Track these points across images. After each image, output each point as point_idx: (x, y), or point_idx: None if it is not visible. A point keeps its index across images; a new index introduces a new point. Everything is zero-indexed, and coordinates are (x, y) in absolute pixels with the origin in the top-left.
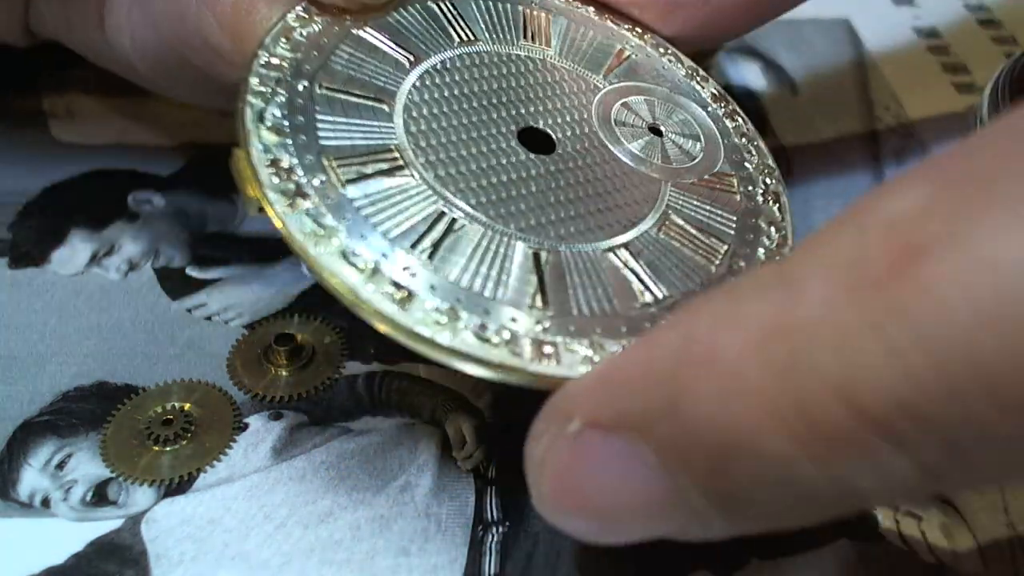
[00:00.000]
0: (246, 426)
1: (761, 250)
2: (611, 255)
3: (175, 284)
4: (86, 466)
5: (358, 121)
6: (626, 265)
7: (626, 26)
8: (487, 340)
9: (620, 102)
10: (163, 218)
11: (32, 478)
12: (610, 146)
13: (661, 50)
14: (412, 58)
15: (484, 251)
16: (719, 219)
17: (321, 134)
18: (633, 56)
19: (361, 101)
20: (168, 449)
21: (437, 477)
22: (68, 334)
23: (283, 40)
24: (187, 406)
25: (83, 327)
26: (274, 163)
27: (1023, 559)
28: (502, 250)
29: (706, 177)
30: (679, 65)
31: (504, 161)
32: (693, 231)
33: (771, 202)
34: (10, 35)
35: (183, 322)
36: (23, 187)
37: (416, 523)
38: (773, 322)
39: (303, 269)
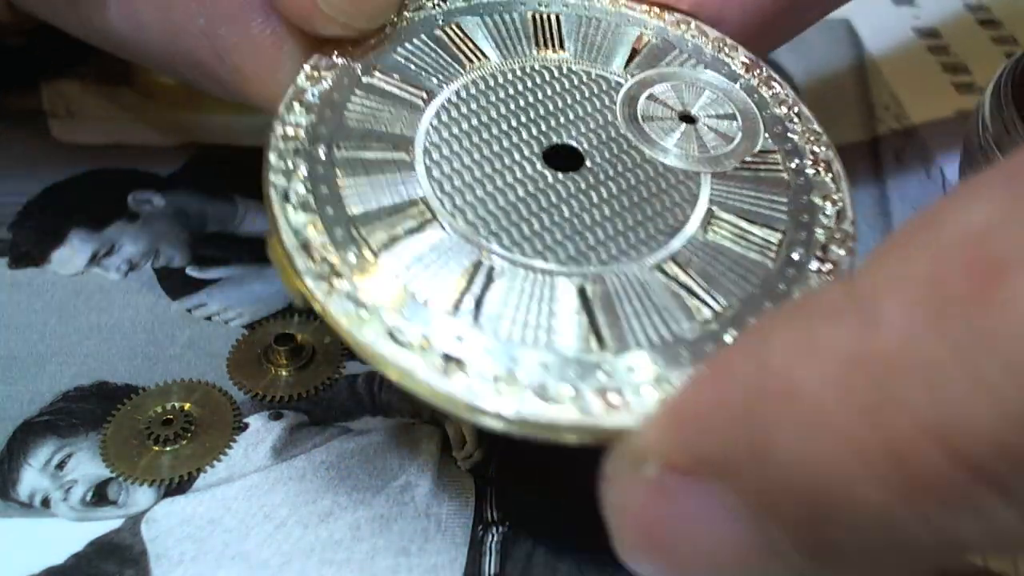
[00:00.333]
0: (246, 426)
1: (819, 231)
2: (658, 273)
3: (175, 284)
4: (86, 466)
5: (381, 178)
6: (677, 280)
7: (642, 7)
8: (551, 399)
9: (646, 95)
10: (163, 218)
11: (32, 478)
12: (641, 146)
13: (683, 26)
14: (425, 95)
15: (528, 297)
16: (769, 204)
17: (347, 202)
18: (653, 40)
19: (381, 155)
20: (168, 449)
21: (437, 477)
22: (68, 334)
23: (296, 105)
24: (187, 406)
25: (83, 327)
26: (306, 246)
27: None
28: (547, 292)
29: (748, 159)
30: (704, 38)
31: (533, 188)
32: (743, 224)
33: (823, 172)
34: None
35: (183, 322)
36: (23, 187)
37: (416, 523)
38: (852, 352)
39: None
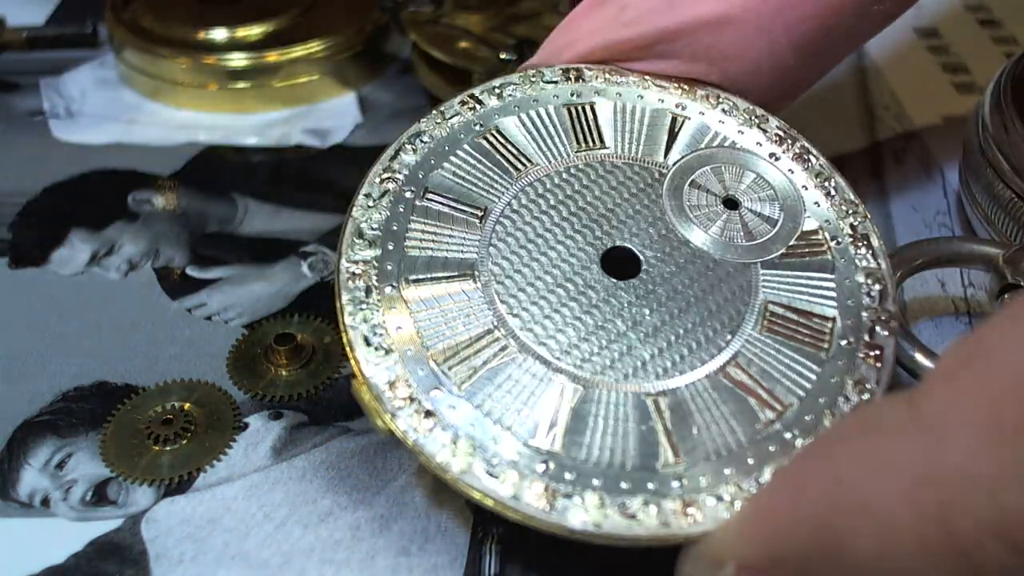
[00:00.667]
0: (246, 426)
1: (865, 314)
2: (721, 377)
3: (175, 284)
4: (86, 466)
5: (453, 309)
6: (740, 385)
7: (673, 85)
8: (633, 517)
9: (689, 182)
10: (163, 218)
11: (32, 478)
12: (692, 240)
13: (713, 100)
14: (480, 212)
15: (606, 418)
16: (818, 292)
17: (428, 343)
18: (687, 120)
19: (448, 285)
20: (168, 449)
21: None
22: (68, 334)
23: (357, 240)
24: (187, 406)
25: (83, 327)
26: (391, 384)
27: None
28: (621, 410)
29: (792, 243)
30: (735, 111)
31: (595, 299)
32: (795, 318)
33: (863, 248)
34: None
35: (183, 322)
36: (23, 187)
37: (416, 523)
38: (922, 470)
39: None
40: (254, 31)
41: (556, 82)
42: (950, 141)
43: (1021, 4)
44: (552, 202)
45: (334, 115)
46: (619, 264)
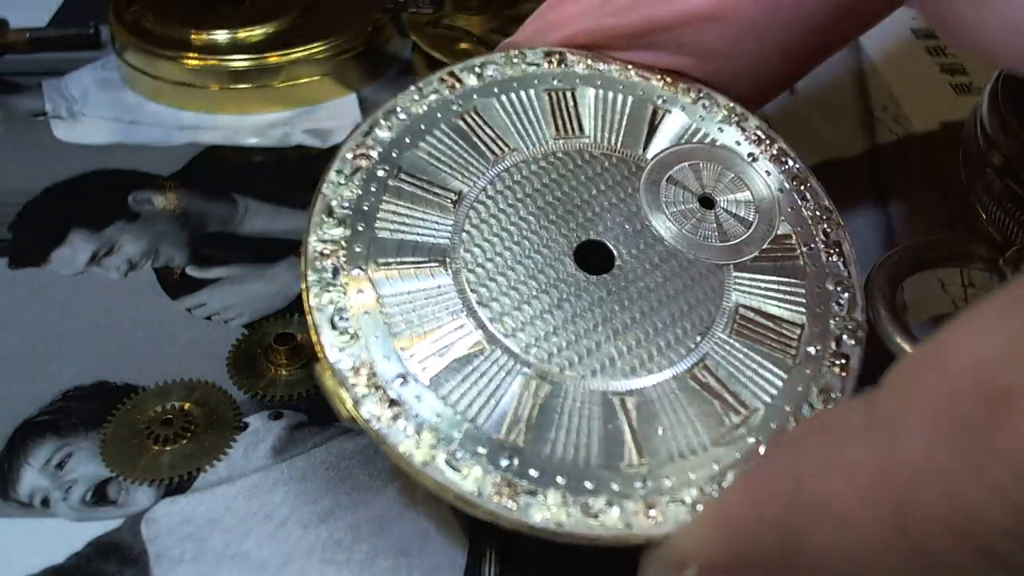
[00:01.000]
0: (246, 426)
1: (833, 322)
2: (689, 379)
3: (175, 284)
4: (86, 466)
5: (422, 296)
6: (707, 388)
7: (656, 77)
8: (596, 517)
9: (666, 177)
10: (163, 218)
11: (32, 478)
12: (666, 238)
13: (692, 95)
14: (453, 196)
15: (572, 415)
16: (788, 298)
17: (395, 330)
18: (668, 112)
19: (418, 270)
20: (168, 449)
21: None
22: (68, 334)
23: (327, 218)
24: (187, 406)
25: (83, 327)
26: (355, 370)
27: None
28: (588, 408)
29: (766, 246)
30: (716, 107)
31: (566, 293)
32: (765, 323)
33: (834, 255)
34: None
35: (183, 322)
36: (23, 187)
37: (416, 524)
38: (879, 467)
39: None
40: (255, 32)
41: (538, 65)
42: (949, 142)
43: None
44: (528, 190)
45: (335, 116)
46: (592, 258)
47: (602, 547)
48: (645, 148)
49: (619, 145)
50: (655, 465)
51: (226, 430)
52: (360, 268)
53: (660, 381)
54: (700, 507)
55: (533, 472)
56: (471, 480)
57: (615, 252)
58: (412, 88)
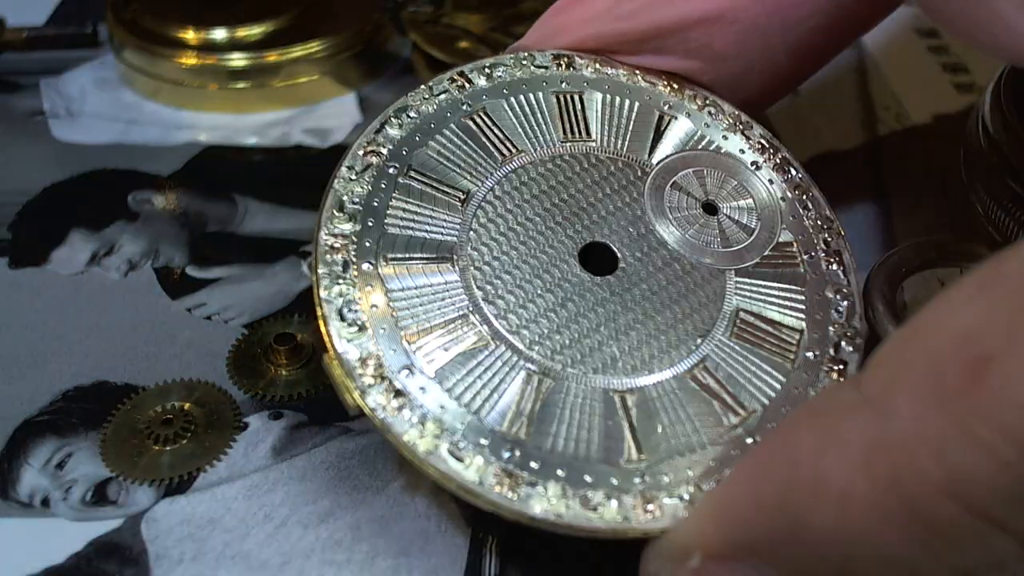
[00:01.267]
0: (246, 426)
1: (832, 328)
2: (689, 379)
3: (175, 284)
4: (86, 466)
5: (429, 292)
6: (706, 388)
7: (662, 82)
8: (594, 509)
9: (671, 183)
10: (163, 218)
11: (32, 478)
12: (669, 242)
13: (699, 102)
14: (462, 195)
15: (573, 410)
16: (788, 303)
17: (402, 323)
18: (674, 118)
19: (426, 267)
20: (168, 449)
21: None
22: (68, 334)
23: (338, 213)
24: (187, 405)
25: (83, 327)
26: (363, 361)
27: None
28: (589, 404)
29: (767, 253)
30: (721, 115)
31: (570, 292)
32: (764, 327)
33: (834, 264)
34: None
35: (183, 322)
36: (23, 187)
37: (416, 524)
38: (872, 441)
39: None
40: (254, 31)
41: (546, 67)
42: (950, 141)
43: None
44: (535, 191)
45: (334, 115)
46: (597, 259)
47: (599, 540)
48: (650, 153)
49: (625, 149)
50: (653, 461)
51: (226, 430)
52: (369, 263)
53: (660, 380)
54: (697, 503)
55: (534, 464)
56: (473, 470)
57: (619, 255)
58: (423, 87)
